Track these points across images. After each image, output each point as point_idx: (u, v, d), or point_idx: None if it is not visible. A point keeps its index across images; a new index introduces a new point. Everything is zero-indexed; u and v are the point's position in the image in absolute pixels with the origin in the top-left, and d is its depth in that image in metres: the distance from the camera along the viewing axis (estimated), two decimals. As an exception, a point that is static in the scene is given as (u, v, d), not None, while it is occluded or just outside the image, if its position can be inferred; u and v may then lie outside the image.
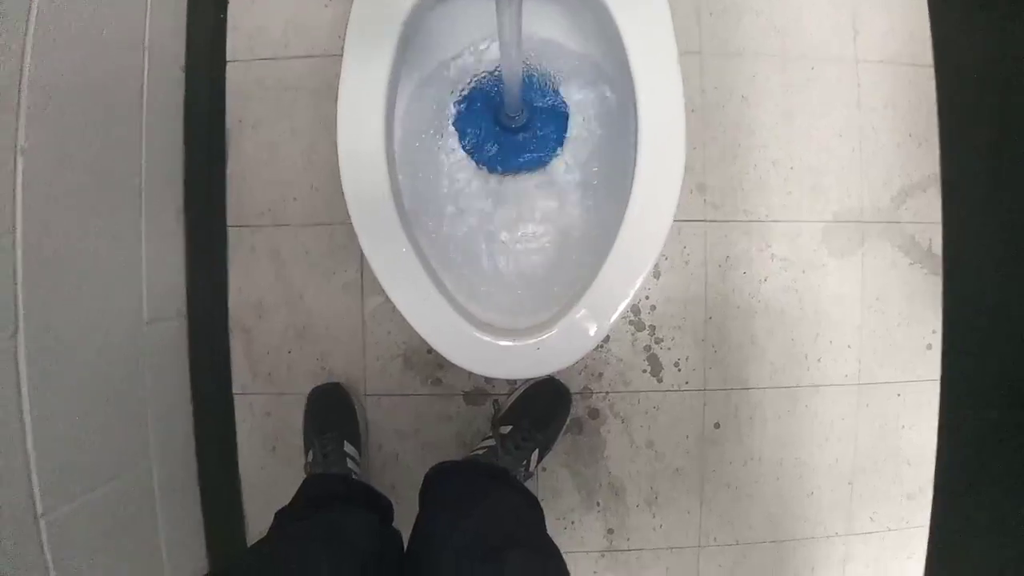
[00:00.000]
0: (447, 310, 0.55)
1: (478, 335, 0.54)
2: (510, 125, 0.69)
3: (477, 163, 0.70)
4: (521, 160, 0.70)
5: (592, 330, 0.54)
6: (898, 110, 0.92)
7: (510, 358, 0.55)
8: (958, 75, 0.92)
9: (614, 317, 0.54)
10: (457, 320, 0.54)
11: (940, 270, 0.94)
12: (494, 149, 0.70)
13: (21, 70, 0.55)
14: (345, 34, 0.57)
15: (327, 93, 0.86)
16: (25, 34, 0.56)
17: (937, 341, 0.94)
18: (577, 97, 0.69)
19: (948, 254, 0.91)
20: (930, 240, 0.93)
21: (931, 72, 0.93)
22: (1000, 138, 0.91)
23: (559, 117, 0.71)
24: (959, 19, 0.91)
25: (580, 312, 0.54)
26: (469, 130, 0.71)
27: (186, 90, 0.83)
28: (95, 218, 0.67)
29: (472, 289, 0.62)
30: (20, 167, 0.55)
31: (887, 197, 0.92)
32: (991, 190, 0.92)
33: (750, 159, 0.88)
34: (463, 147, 0.70)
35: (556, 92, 0.70)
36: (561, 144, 0.70)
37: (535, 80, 0.71)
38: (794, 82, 0.89)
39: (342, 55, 0.57)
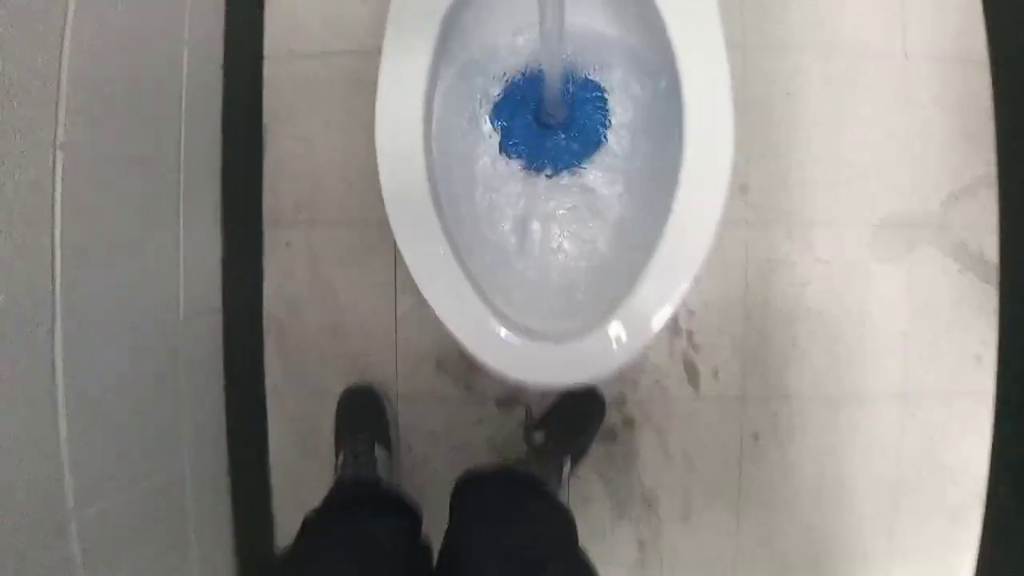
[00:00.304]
0: (482, 311, 0.53)
1: (511, 337, 0.52)
2: (549, 123, 0.68)
3: (516, 161, 0.69)
4: (561, 159, 0.68)
5: (631, 340, 0.51)
6: (948, 108, 0.88)
7: (543, 364, 0.53)
8: (1014, 70, 0.87)
9: (656, 328, 0.51)
10: (491, 321, 0.53)
11: (992, 278, 0.89)
12: (532, 147, 0.69)
13: (60, 65, 0.56)
14: (384, 31, 0.56)
15: (363, 89, 0.86)
16: (64, 29, 0.56)
17: (987, 352, 0.89)
18: (618, 91, 0.67)
19: (1005, 261, 0.87)
20: (981, 246, 0.89)
21: (982, 68, 0.89)
22: None
23: (599, 114, 0.69)
24: (1015, 11, 0.87)
25: (619, 320, 0.52)
26: (507, 128, 0.69)
27: (224, 86, 0.83)
28: (134, 214, 0.68)
29: (507, 292, 0.61)
30: (59, 163, 0.56)
31: (936, 200, 0.88)
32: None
33: (793, 158, 0.85)
34: (500, 145, 0.69)
35: (596, 87, 0.69)
36: (601, 141, 0.68)
37: (574, 75, 0.69)
38: (840, 77, 0.86)
39: (380, 52, 0.56)
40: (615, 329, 0.52)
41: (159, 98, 0.72)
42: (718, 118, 0.53)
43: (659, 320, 0.52)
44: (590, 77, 0.69)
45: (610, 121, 0.68)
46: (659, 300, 0.52)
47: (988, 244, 0.89)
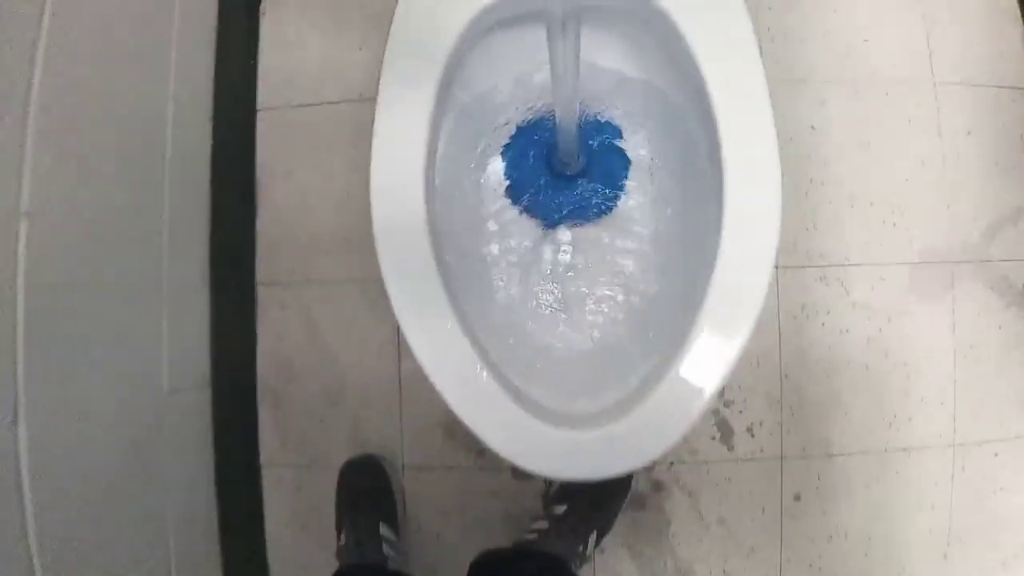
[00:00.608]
0: (495, 393, 0.46)
1: (537, 425, 0.45)
2: (565, 172, 0.63)
3: (528, 215, 0.63)
4: (578, 212, 0.63)
5: (669, 428, 0.44)
6: (982, 136, 0.83)
7: (574, 454, 0.46)
8: None
9: (698, 412, 0.44)
10: (506, 405, 0.46)
11: (1041, 312, 0.83)
12: (546, 200, 0.63)
13: (24, 120, 0.49)
14: (380, 77, 0.51)
15: (363, 139, 0.81)
16: (30, 85, 0.50)
17: (1039, 392, 0.83)
18: (641, 133, 0.62)
19: None
20: (1025, 279, 0.84)
21: (1014, 95, 0.84)
22: None
23: (619, 160, 0.63)
24: None
25: (654, 403, 0.45)
26: (518, 179, 0.64)
27: (213, 140, 0.78)
28: (110, 283, 0.62)
29: (523, 367, 0.54)
30: (23, 232, 0.49)
31: (976, 233, 0.82)
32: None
33: (824, 195, 0.80)
34: (512, 198, 0.64)
35: (615, 131, 0.64)
36: (622, 191, 0.63)
37: (589, 117, 0.64)
38: (867, 109, 0.81)
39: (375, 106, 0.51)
40: (650, 413, 0.45)
41: (140, 156, 0.67)
42: (762, 158, 0.48)
43: (702, 402, 0.45)
44: (607, 120, 0.64)
45: (631, 167, 0.63)
46: (701, 377, 0.45)
47: (1033, 277, 0.84)
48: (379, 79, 0.51)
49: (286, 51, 0.83)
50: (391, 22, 0.51)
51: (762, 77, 0.48)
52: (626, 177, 0.63)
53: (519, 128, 0.65)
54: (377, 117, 0.53)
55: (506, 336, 0.58)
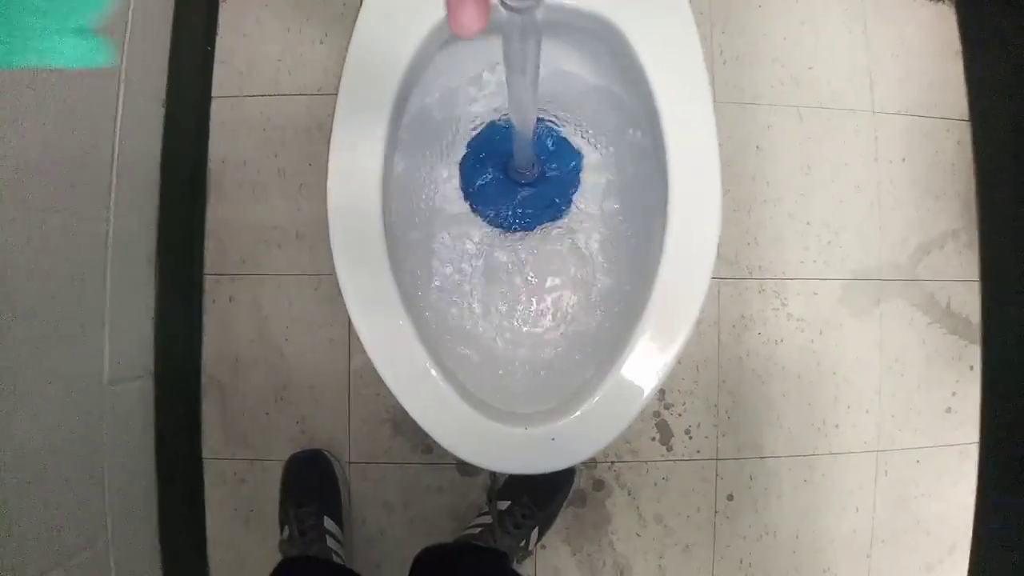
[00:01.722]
0: (447, 392, 0.48)
1: (485, 422, 0.47)
2: (520, 180, 0.64)
3: (484, 220, 0.64)
4: (533, 217, 0.64)
5: (615, 417, 0.47)
6: (915, 164, 0.89)
7: (520, 449, 0.48)
8: (993, 126, 0.88)
9: (641, 402, 0.47)
10: (457, 403, 0.48)
11: (959, 329, 0.89)
12: (501, 205, 0.64)
13: None
14: (341, 80, 0.51)
15: (319, 133, 0.81)
16: None
17: (957, 404, 0.89)
18: (597, 141, 0.64)
19: (987, 314, 0.87)
20: (949, 298, 0.89)
21: (946, 124, 0.90)
22: None
23: (572, 166, 0.65)
24: (995, 66, 0.88)
25: (601, 397, 0.47)
26: (474, 185, 0.65)
27: (165, 126, 0.76)
28: (50, 268, 0.60)
29: (474, 368, 0.56)
30: None
31: (905, 254, 0.88)
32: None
33: (766, 212, 0.84)
34: (468, 203, 0.64)
35: (565, 142, 0.65)
36: (572, 197, 0.64)
37: (546, 124, 0.65)
38: (811, 133, 0.86)
39: (334, 110, 0.51)
40: (592, 411, 0.47)
41: (85, 138, 0.65)
42: (704, 169, 0.49)
43: (640, 402, 0.48)
44: (561, 127, 0.65)
45: (582, 173, 0.64)
46: (641, 379, 0.48)
47: (956, 296, 0.89)
48: (339, 83, 0.52)
49: (245, 40, 0.82)
50: (353, 27, 0.51)
51: (708, 96, 0.50)
52: (577, 186, 0.65)
53: (476, 135, 0.66)
54: (336, 114, 0.53)
55: (456, 337, 0.60)
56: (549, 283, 0.64)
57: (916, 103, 0.89)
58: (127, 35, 0.67)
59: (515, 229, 0.65)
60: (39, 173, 0.57)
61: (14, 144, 0.53)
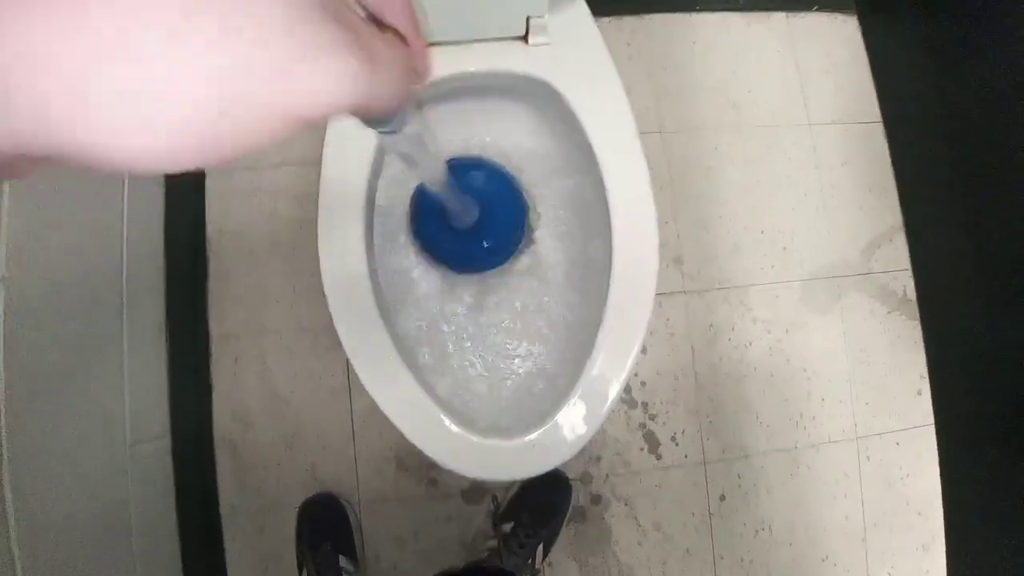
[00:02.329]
0: (435, 413, 0.54)
1: (466, 437, 0.54)
2: (461, 228, 0.66)
3: (437, 267, 0.68)
4: (482, 261, 0.68)
5: (587, 420, 0.53)
6: (855, 167, 0.96)
7: (500, 460, 0.54)
8: (906, 126, 0.96)
9: (608, 404, 0.54)
10: (444, 422, 0.54)
11: (917, 315, 0.95)
12: (452, 254, 0.67)
13: (1, 199, 0.55)
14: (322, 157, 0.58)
15: (306, 198, 0.88)
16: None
17: (925, 386, 0.94)
18: (543, 188, 0.70)
19: (923, 300, 0.94)
20: (904, 287, 0.96)
21: (878, 128, 0.98)
22: (953, 180, 0.95)
23: (518, 210, 0.68)
24: (900, 73, 0.97)
25: (572, 404, 0.54)
26: (421, 235, 0.67)
27: (166, 205, 0.83)
28: (75, 342, 0.66)
29: (458, 392, 0.62)
30: (0, 296, 0.55)
31: (856, 251, 0.95)
32: (953, 232, 0.95)
33: (721, 228, 0.91)
34: (420, 251, 0.68)
35: (508, 182, 0.69)
36: (520, 239, 0.69)
37: (485, 174, 0.68)
38: (755, 150, 0.93)
39: (320, 164, 0.58)
40: (570, 414, 0.54)
41: (100, 222, 0.72)
42: (639, 195, 0.57)
43: (611, 398, 0.54)
44: (507, 175, 0.69)
45: (532, 215, 0.70)
46: (608, 379, 0.55)
47: (909, 285, 0.96)
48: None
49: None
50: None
51: (637, 140, 0.58)
52: (523, 227, 0.68)
53: (417, 190, 0.68)
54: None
55: (441, 373, 0.65)
56: (512, 314, 0.70)
57: (848, 112, 0.97)
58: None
59: (466, 272, 0.69)
60: (64, 252, 0.64)
61: (51, 238, 0.61)
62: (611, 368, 0.55)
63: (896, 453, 0.93)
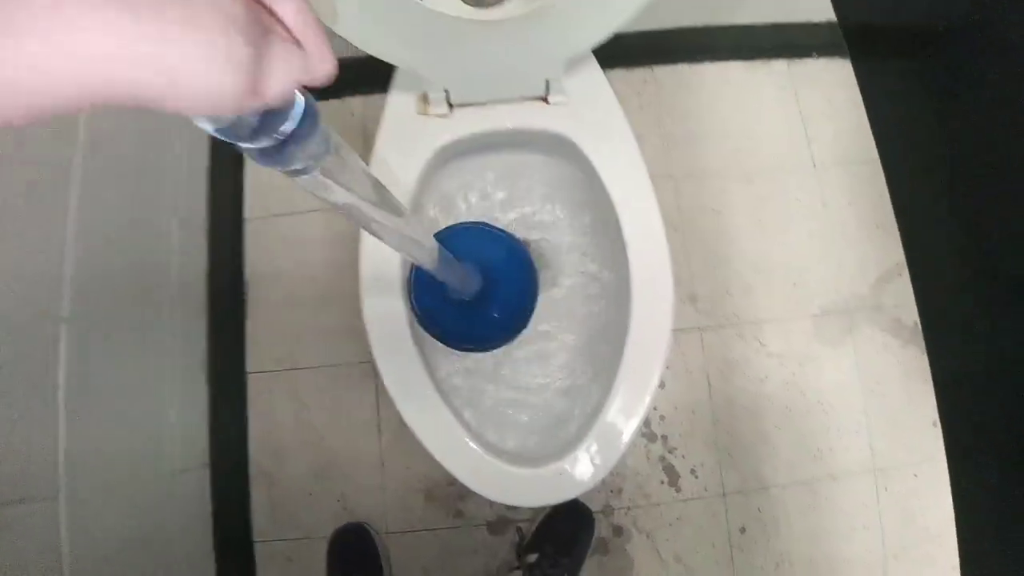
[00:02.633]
0: (470, 445, 0.59)
1: (498, 466, 0.58)
2: (463, 300, 0.62)
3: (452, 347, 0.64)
4: (488, 338, 0.64)
5: (606, 454, 0.58)
6: (860, 206, 1.00)
7: (531, 486, 0.59)
8: (903, 165, 1.00)
9: (627, 440, 0.58)
10: (480, 454, 0.59)
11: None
12: (455, 329, 0.63)
13: (64, 243, 0.61)
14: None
15: (338, 242, 0.94)
16: (66, 209, 0.62)
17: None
18: (561, 233, 0.75)
19: (929, 333, 0.96)
20: (914, 320, 0.98)
21: (879, 167, 1.02)
22: (951, 215, 0.98)
23: (527, 280, 0.66)
24: (893, 113, 1.01)
25: (594, 437, 0.58)
26: (422, 309, 0.61)
27: (209, 250, 0.90)
28: (129, 376, 0.72)
29: (490, 424, 0.66)
30: (63, 336, 0.60)
31: (866, 285, 0.98)
32: (956, 266, 0.97)
33: (732, 266, 0.95)
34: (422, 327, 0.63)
35: (515, 247, 0.67)
36: (531, 312, 0.66)
37: (488, 238, 0.65)
38: (761, 192, 0.98)
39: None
40: (586, 452, 0.58)
41: (151, 266, 0.79)
42: (653, 237, 0.62)
43: (628, 436, 0.58)
44: (506, 233, 0.67)
45: (537, 282, 0.67)
46: (627, 416, 0.59)
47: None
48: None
49: (267, 169, 0.96)
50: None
51: (649, 185, 0.63)
52: (535, 298, 0.66)
53: (414, 266, 0.62)
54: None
55: (468, 403, 0.70)
56: (535, 361, 0.73)
57: (850, 154, 1.02)
58: (174, 186, 0.82)
59: (473, 350, 0.67)
60: (127, 298, 0.70)
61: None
62: (630, 403, 0.59)
63: (914, 484, 0.94)
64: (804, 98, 1.03)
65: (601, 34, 0.58)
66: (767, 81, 1.03)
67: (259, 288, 0.93)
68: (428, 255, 0.45)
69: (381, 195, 0.34)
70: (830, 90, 1.04)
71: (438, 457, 0.58)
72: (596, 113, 0.64)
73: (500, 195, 0.75)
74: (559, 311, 0.74)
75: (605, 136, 0.64)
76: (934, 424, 0.96)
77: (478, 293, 0.62)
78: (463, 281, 0.58)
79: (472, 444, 0.59)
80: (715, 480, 0.89)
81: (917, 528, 0.93)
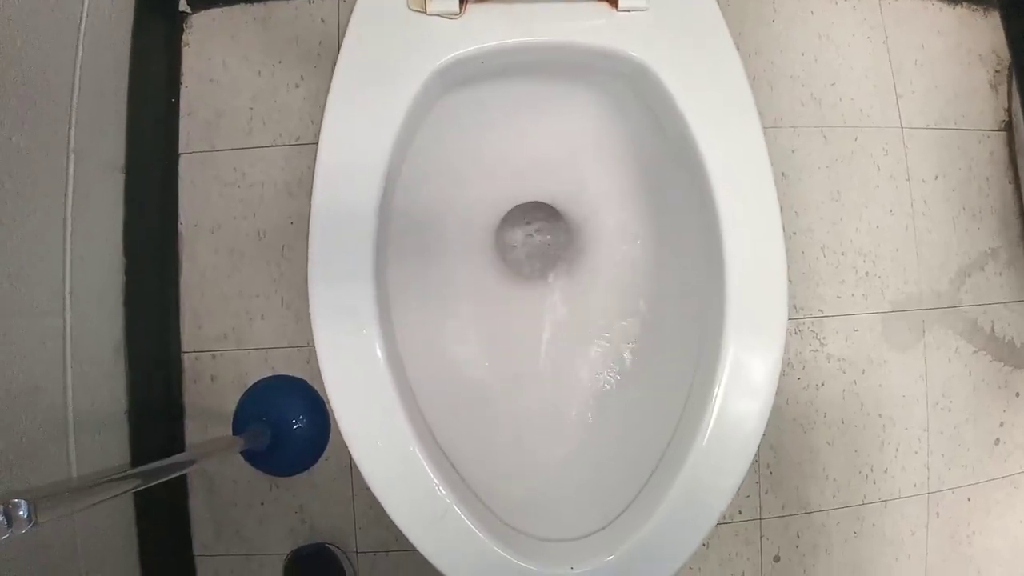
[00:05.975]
0: (466, 526, 0.42)
1: (511, 562, 0.40)
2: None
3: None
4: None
5: (670, 552, 0.40)
6: (949, 180, 0.82)
7: None
8: None
9: (707, 528, 0.40)
10: (481, 540, 0.41)
11: (1005, 355, 0.83)
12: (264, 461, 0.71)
13: None
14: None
15: (299, 188, 0.73)
16: None
17: (1004, 435, 0.83)
18: (607, 210, 0.56)
19: None
20: (992, 322, 0.83)
21: (979, 136, 0.84)
22: None
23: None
24: None
25: (666, 511, 0.40)
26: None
27: (126, 195, 0.68)
28: (10, 376, 0.52)
29: (502, 490, 0.48)
30: None
31: (945, 279, 0.82)
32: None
33: (796, 246, 0.77)
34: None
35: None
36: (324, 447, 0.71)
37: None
38: (838, 155, 0.79)
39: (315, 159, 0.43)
40: (652, 537, 0.40)
41: (36, 219, 0.57)
42: (764, 232, 0.48)
43: (714, 517, 0.41)
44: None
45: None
46: (717, 480, 0.42)
47: (999, 320, 0.83)
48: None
49: (212, 87, 0.74)
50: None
51: (764, 152, 0.44)
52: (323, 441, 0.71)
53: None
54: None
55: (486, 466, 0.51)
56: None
57: (944, 115, 0.83)
58: (74, 97, 0.59)
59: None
60: None
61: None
62: (725, 457, 0.43)
63: (966, 509, 0.82)
64: (895, 43, 0.82)
65: None
66: (853, 16, 0.82)
67: (195, 245, 0.72)
68: None
69: None
70: (926, 36, 0.83)
71: (418, 546, 0.44)
72: (691, 34, 0.42)
73: (524, 157, 0.54)
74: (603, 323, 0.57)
75: (706, 72, 0.43)
76: (996, 442, 0.83)
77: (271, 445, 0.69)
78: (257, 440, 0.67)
79: (469, 526, 0.41)
80: (751, 502, 0.75)
81: (960, 556, 0.82)
